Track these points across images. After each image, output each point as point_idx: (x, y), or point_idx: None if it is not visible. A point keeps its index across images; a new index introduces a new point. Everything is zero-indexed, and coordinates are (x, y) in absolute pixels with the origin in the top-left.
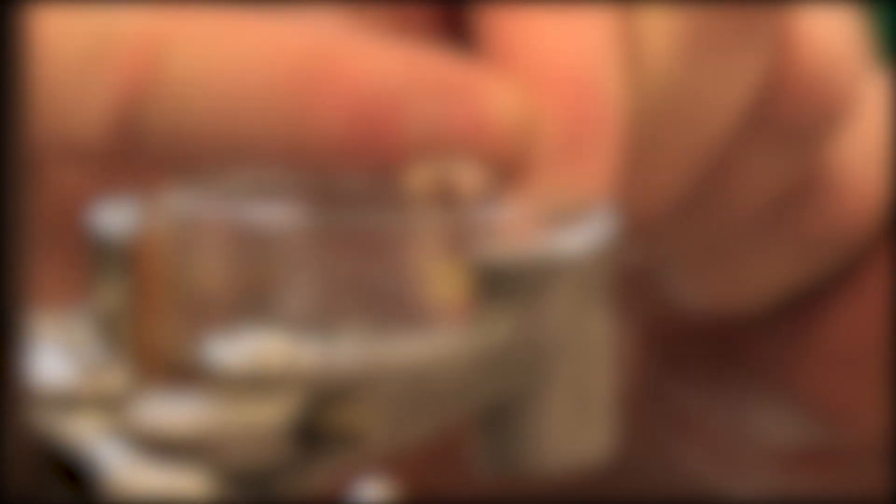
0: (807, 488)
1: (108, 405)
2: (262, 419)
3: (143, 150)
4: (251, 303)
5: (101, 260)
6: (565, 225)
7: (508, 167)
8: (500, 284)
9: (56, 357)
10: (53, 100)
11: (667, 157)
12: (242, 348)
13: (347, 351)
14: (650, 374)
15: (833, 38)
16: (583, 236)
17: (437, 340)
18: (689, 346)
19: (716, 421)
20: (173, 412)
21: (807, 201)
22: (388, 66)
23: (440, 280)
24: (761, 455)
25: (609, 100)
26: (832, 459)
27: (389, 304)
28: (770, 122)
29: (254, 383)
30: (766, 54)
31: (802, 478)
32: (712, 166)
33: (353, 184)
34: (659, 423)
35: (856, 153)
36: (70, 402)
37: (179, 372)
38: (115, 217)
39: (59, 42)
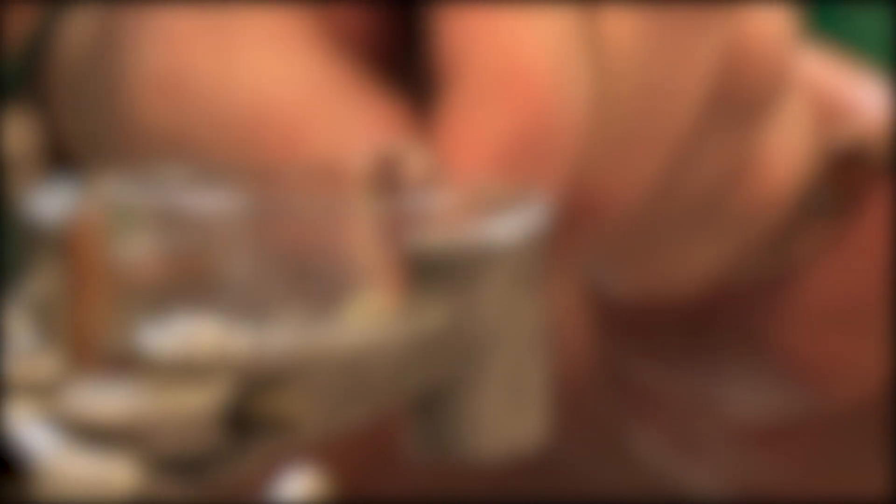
0: (771, 467)
1: (40, 392)
2: (192, 406)
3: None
4: (184, 290)
5: (35, 246)
6: (497, 213)
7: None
8: (433, 272)
9: None
10: None
11: (638, 150)
12: (173, 335)
13: (279, 337)
14: (608, 354)
15: (772, 22)
16: (515, 224)
17: (369, 327)
18: (653, 318)
19: (680, 400)
20: (104, 399)
21: (737, 183)
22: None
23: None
24: (726, 435)
25: (565, 109)
26: (802, 433)
27: (324, 291)
28: (723, 104)
29: (184, 370)
30: (720, 39)
31: (767, 456)
32: (676, 154)
33: (289, 170)
34: (616, 408)
35: (776, 135)
36: (2, 388)
37: (112, 359)
38: (48, 203)
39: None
